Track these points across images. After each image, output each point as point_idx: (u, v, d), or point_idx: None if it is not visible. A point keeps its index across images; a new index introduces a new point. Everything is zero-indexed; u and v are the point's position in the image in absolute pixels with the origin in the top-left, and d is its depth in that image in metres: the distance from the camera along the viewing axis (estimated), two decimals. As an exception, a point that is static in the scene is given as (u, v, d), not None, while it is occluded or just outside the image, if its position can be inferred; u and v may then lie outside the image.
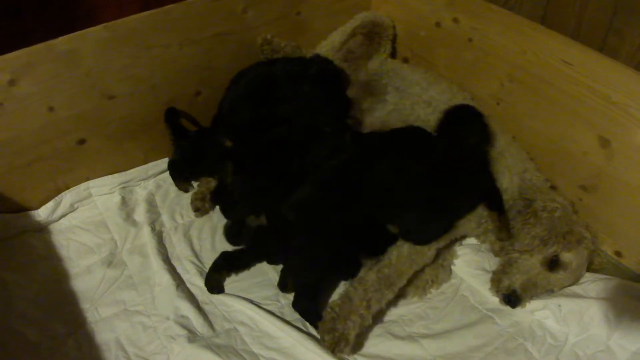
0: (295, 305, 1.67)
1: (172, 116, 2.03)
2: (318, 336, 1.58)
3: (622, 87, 1.66)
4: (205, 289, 1.74)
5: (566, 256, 1.67)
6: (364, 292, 1.58)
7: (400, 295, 1.71)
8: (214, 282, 1.74)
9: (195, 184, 2.06)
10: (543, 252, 1.68)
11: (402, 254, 1.66)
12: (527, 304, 1.70)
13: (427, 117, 1.98)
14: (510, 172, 1.79)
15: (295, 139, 1.86)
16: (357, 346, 1.61)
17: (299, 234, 1.68)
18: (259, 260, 1.80)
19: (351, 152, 1.80)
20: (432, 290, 1.78)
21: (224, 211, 1.91)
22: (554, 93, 1.84)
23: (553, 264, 1.68)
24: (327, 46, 2.21)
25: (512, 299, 1.67)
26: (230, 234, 1.85)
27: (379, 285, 1.60)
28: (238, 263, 1.78)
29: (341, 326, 1.52)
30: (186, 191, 2.04)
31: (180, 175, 2.04)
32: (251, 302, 1.70)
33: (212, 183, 1.98)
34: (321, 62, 2.12)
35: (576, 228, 1.71)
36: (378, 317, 1.68)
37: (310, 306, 1.64)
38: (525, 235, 1.70)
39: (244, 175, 1.84)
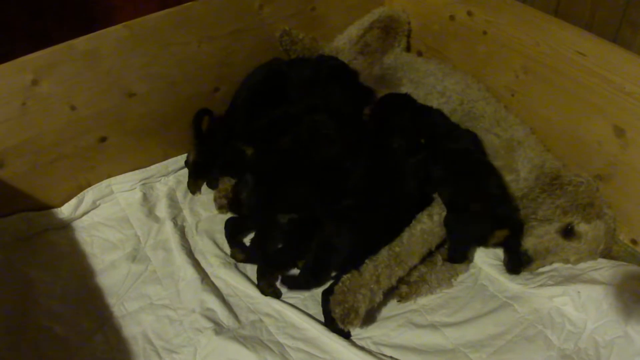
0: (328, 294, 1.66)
1: (201, 118, 2.06)
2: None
3: (636, 77, 1.68)
4: (229, 281, 1.77)
5: (582, 227, 1.71)
6: (374, 268, 1.62)
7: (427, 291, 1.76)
8: (268, 289, 1.73)
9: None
10: (562, 220, 1.73)
11: (415, 235, 1.70)
12: (547, 289, 1.72)
13: (441, 106, 2.02)
14: (530, 163, 1.82)
15: (303, 141, 1.89)
16: (381, 336, 1.64)
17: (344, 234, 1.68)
18: (299, 258, 1.77)
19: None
20: (452, 281, 1.81)
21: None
22: (568, 84, 1.86)
23: (567, 232, 1.72)
24: (344, 39, 2.24)
25: (523, 259, 1.72)
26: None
27: (389, 262, 1.64)
28: (279, 263, 1.78)
29: (351, 299, 1.55)
30: (193, 193, 2.06)
31: (198, 177, 2.06)
32: (274, 294, 1.73)
33: (233, 181, 2.00)
34: (328, 60, 2.16)
35: (597, 202, 1.75)
36: (400, 302, 1.73)
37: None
38: (548, 205, 1.75)
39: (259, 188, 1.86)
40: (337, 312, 1.55)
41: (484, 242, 1.77)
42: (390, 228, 1.72)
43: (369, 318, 1.69)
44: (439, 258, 1.77)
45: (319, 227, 1.70)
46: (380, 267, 1.62)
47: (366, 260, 1.64)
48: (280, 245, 1.77)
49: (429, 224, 1.71)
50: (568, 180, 1.77)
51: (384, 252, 1.65)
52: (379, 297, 1.62)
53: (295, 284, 1.73)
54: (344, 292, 1.57)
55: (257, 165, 1.89)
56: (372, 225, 1.70)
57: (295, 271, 1.77)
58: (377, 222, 1.71)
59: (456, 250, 1.73)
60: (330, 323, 1.62)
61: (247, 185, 1.83)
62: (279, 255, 1.76)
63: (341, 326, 1.56)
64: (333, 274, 1.69)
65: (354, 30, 2.25)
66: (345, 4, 2.28)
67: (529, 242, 1.73)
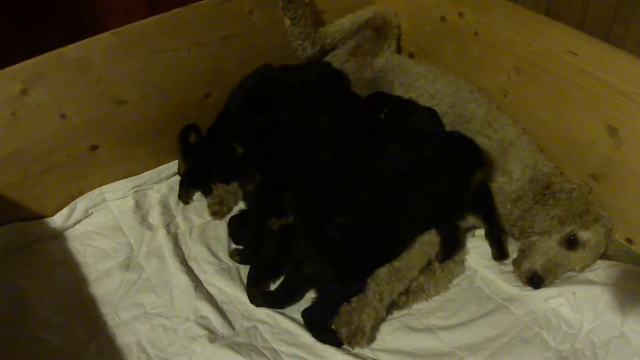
0: (309, 313, 1.64)
1: (187, 134, 2.07)
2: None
3: (628, 76, 1.68)
4: (223, 288, 1.76)
5: (584, 234, 1.71)
6: (376, 286, 1.61)
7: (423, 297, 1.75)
8: (256, 298, 1.71)
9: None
10: (560, 231, 1.72)
11: (413, 247, 1.69)
12: (542, 290, 1.72)
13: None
14: (522, 164, 1.82)
15: (299, 141, 1.88)
16: (377, 340, 1.63)
17: (341, 247, 1.65)
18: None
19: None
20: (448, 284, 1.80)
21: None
22: (560, 83, 1.85)
23: (571, 242, 1.72)
24: (336, 27, 2.22)
25: (534, 281, 1.71)
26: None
27: (390, 278, 1.63)
28: (271, 271, 1.76)
29: (357, 319, 1.55)
30: (186, 203, 2.04)
31: (190, 186, 2.05)
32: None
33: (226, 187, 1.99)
34: (320, 66, 2.16)
35: (592, 207, 1.75)
36: (396, 310, 1.72)
37: (322, 319, 1.63)
38: (544, 216, 1.74)
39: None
40: (343, 332, 1.54)
41: (467, 201, 1.76)
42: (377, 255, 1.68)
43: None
44: (437, 266, 1.76)
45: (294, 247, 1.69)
46: (382, 284, 1.62)
47: (368, 280, 1.63)
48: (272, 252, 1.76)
49: (425, 235, 1.70)
50: (560, 188, 1.77)
51: (384, 269, 1.64)
52: (382, 314, 1.63)
53: (270, 301, 1.71)
54: (349, 313, 1.56)
55: (251, 164, 1.89)
56: (354, 253, 1.65)
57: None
58: (359, 250, 1.66)
59: (445, 238, 1.72)
60: (316, 334, 1.61)
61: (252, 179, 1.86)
62: (270, 262, 1.75)
63: (348, 347, 1.56)
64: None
65: (346, 23, 2.22)
66: (336, 7, 2.27)
67: (537, 262, 1.72)
